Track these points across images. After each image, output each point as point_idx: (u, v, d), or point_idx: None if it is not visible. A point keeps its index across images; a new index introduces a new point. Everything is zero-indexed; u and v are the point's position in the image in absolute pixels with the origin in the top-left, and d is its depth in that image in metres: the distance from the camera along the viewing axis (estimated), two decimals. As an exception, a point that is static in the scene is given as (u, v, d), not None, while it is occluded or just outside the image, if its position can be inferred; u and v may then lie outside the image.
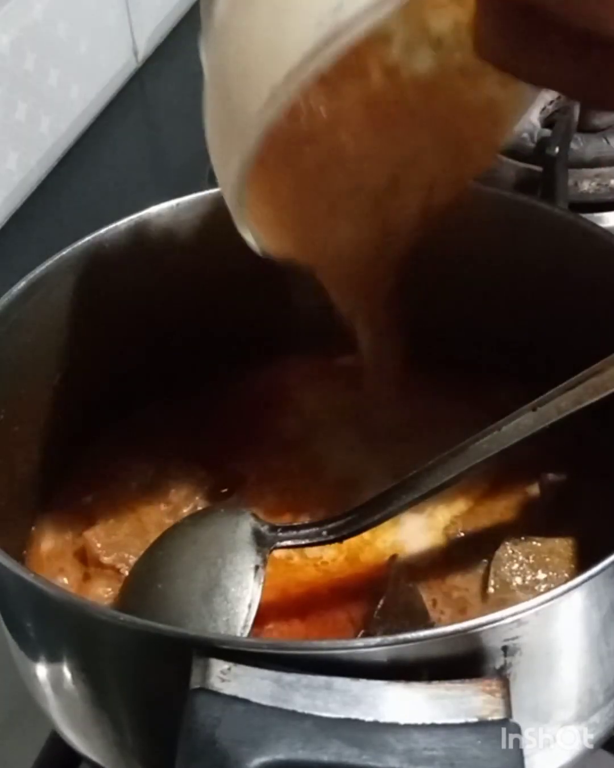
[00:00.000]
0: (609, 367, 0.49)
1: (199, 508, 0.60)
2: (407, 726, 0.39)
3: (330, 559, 0.57)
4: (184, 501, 0.60)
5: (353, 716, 0.39)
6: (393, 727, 0.39)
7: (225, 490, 0.61)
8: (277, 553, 0.55)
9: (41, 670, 0.50)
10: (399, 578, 0.55)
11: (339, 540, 0.53)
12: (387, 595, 0.54)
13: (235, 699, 0.39)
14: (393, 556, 0.57)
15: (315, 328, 0.65)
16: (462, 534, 0.58)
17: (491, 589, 0.55)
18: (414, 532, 0.58)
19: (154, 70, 1.05)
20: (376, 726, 0.39)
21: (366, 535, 0.57)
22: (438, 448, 0.52)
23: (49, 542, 0.60)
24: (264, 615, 0.51)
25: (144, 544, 0.57)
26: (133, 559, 0.57)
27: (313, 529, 0.53)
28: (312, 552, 0.57)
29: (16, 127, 0.88)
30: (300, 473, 0.62)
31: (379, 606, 0.54)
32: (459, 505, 0.59)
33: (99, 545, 0.58)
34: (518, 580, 0.55)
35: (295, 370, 0.67)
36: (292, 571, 0.57)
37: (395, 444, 0.62)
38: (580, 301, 0.59)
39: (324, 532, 0.53)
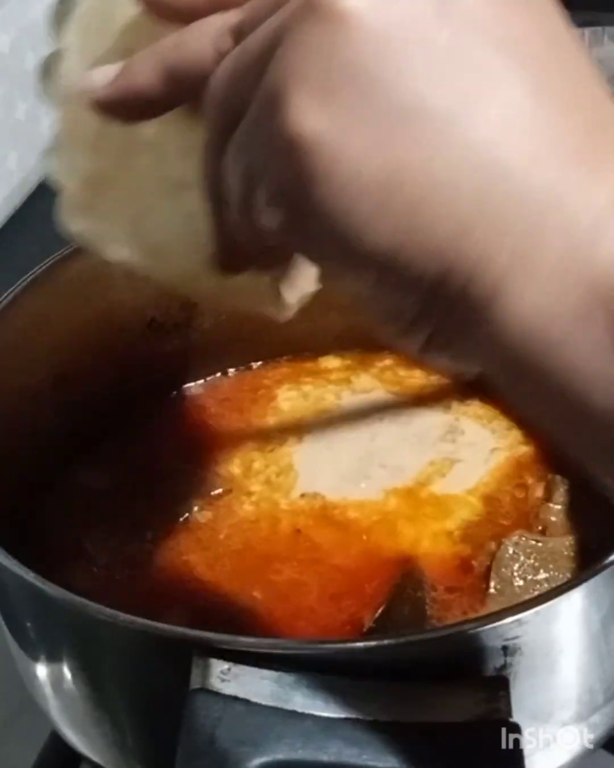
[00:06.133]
0: None
1: (195, 509, 0.60)
2: (407, 725, 0.39)
3: (331, 560, 0.57)
4: (179, 501, 0.60)
5: (353, 716, 0.39)
6: (393, 726, 0.39)
7: (219, 491, 0.61)
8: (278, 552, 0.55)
9: (41, 670, 0.50)
10: (402, 580, 0.55)
11: None
12: (390, 598, 0.54)
13: (235, 699, 0.39)
14: (399, 558, 0.57)
15: (309, 327, 0.65)
16: (465, 534, 0.58)
17: (492, 590, 0.55)
18: (417, 531, 0.58)
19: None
20: (376, 726, 0.39)
21: (369, 535, 0.57)
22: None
23: (47, 542, 0.60)
24: (265, 615, 0.51)
25: (142, 544, 0.57)
26: (130, 559, 0.57)
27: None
28: (313, 552, 0.57)
29: (16, 126, 0.88)
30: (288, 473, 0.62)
31: (381, 609, 0.54)
32: (463, 505, 0.59)
33: (97, 544, 0.58)
34: (519, 580, 0.55)
35: (288, 370, 0.67)
36: (293, 572, 0.57)
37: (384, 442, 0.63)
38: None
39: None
